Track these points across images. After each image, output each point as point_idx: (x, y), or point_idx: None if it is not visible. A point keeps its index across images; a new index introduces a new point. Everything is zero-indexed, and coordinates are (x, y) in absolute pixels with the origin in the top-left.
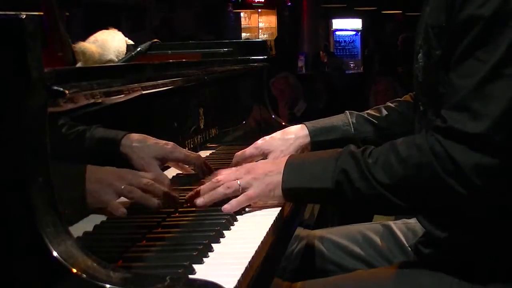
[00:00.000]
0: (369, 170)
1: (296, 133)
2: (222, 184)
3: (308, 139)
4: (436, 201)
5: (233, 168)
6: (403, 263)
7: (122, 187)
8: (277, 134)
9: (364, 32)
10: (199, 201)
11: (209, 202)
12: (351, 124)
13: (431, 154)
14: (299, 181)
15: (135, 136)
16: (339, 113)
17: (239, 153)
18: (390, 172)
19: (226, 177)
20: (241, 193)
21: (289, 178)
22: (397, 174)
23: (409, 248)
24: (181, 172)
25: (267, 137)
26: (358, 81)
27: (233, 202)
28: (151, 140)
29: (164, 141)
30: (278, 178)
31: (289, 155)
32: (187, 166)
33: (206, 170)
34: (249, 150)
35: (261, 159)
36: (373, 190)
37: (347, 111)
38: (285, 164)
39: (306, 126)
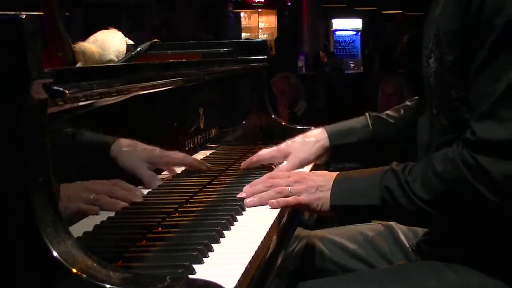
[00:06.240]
0: (409, 187)
1: (316, 137)
2: (273, 188)
3: (328, 142)
4: (470, 209)
5: (285, 173)
6: (404, 263)
7: (91, 196)
8: (298, 138)
9: (364, 32)
10: (250, 201)
11: (258, 203)
12: (370, 126)
13: (464, 166)
14: (346, 198)
15: (125, 141)
16: (339, 113)
17: (261, 152)
18: (428, 187)
19: (278, 182)
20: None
21: (337, 195)
22: (435, 189)
23: (410, 249)
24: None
25: (289, 141)
26: (358, 81)
27: (281, 200)
28: (140, 145)
29: (150, 147)
30: (327, 194)
31: (337, 173)
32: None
33: (200, 166)
34: (272, 152)
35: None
36: (414, 206)
37: (367, 113)
38: (333, 181)
39: (326, 130)
